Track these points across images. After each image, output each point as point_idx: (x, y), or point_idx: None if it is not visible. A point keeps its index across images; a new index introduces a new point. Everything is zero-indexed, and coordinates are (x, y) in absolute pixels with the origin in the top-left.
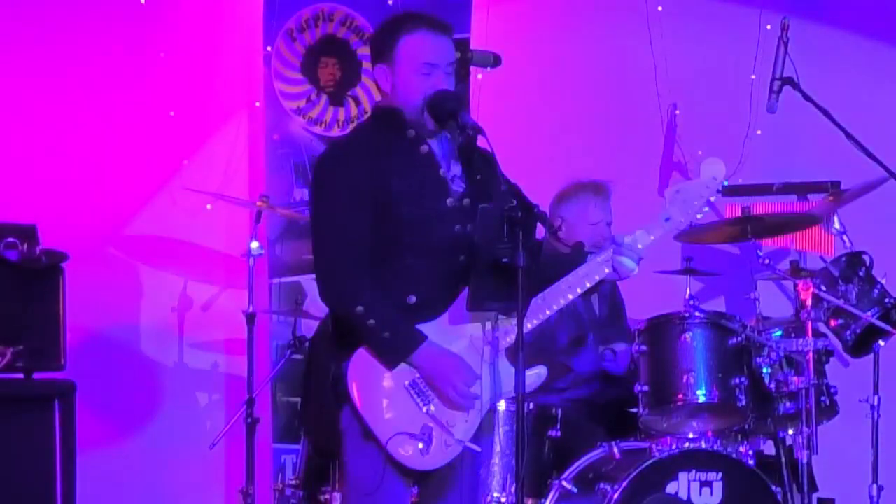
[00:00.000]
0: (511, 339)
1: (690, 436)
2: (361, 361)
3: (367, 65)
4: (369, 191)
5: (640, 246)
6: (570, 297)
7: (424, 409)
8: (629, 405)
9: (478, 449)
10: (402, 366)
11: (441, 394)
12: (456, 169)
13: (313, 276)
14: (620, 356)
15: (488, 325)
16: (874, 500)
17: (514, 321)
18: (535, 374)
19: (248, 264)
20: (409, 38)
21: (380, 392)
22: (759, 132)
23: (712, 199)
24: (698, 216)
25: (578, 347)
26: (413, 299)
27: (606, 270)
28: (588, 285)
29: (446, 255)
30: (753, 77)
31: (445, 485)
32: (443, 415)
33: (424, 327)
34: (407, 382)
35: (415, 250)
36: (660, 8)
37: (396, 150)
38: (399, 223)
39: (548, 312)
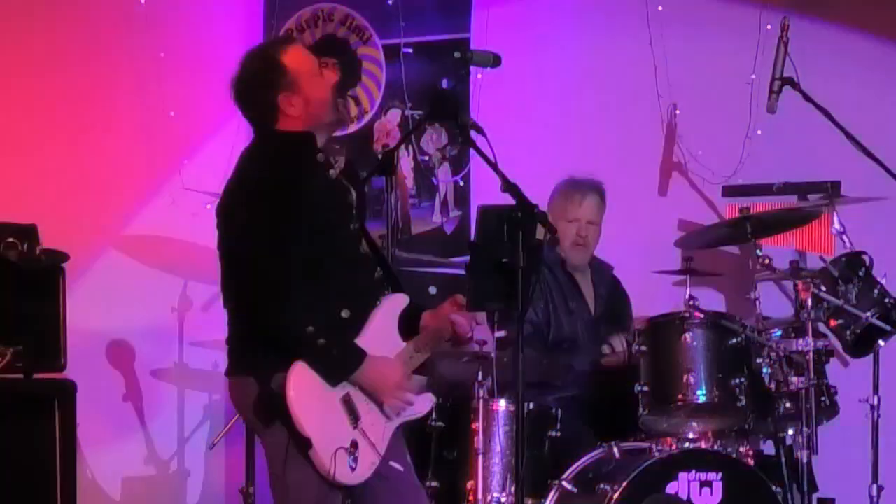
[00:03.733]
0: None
1: (690, 436)
2: (301, 377)
3: (367, 65)
4: (294, 213)
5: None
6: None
7: (354, 425)
8: (628, 405)
9: (401, 468)
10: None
11: (381, 403)
12: (352, 194)
13: None
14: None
15: (402, 346)
16: (874, 500)
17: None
18: (427, 398)
19: None
20: (287, 53)
21: (318, 407)
22: (759, 132)
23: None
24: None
25: (570, 348)
26: (346, 313)
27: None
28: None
29: (363, 270)
30: (753, 77)
31: (380, 499)
32: (370, 430)
33: (359, 342)
34: (341, 397)
35: (338, 269)
36: (660, 8)
37: (313, 175)
38: (323, 244)
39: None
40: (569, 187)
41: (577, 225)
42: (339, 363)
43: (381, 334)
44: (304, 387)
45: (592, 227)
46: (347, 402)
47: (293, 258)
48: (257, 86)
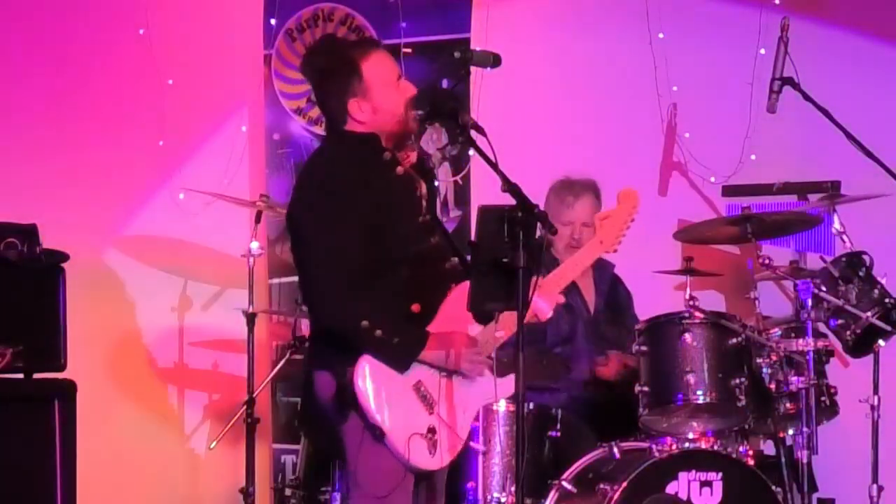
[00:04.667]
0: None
1: (690, 436)
2: (369, 368)
3: None
4: (362, 211)
5: (572, 274)
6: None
7: (430, 411)
8: (628, 406)
9: (483, 448)
10: (410, 368)
11: (457, 372)
12: (423, 188)
13: None
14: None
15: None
16: (874, 500)
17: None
18: (508, 381)
19: (248, 264)
20: (369, 60)
21: (389, 396)
22: (759, 132)
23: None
24: (622, 240)
25: (567, 345)
26: (418, 307)
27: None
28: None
29: (432, 263)
30: (753, 77)
31: (434, 486)
32: (447, 415)
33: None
34: (413, 385)
35: (408, 262)
36: (660, 9)
37: (378, 174)
38: (389, 240)
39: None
40: (562, 188)
41: (570, 228)
42: (403, 349)
43: (451, 321)
44: (372, 377)
45: (587, 228)
46: (419, 390)
47: (354, 258)
48: (332, 86)
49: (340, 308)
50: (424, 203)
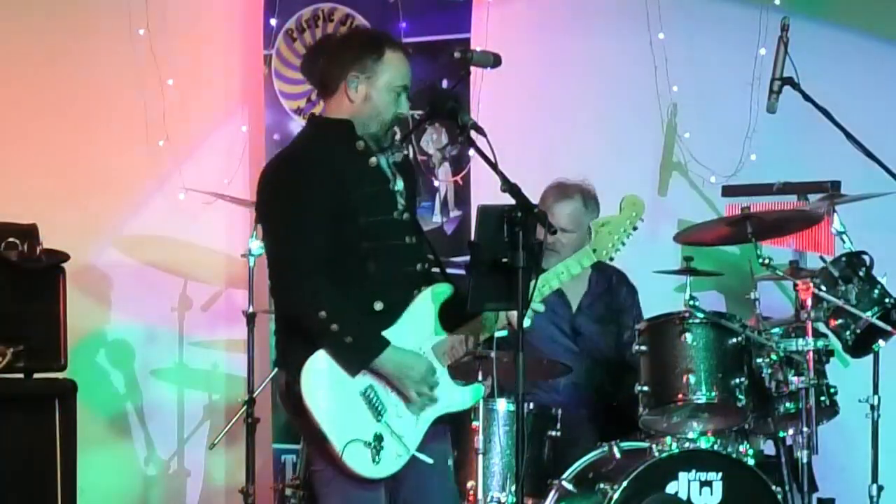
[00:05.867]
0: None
1: (690, 436)
2: (317, 366)
3: None
4: (327, 199)
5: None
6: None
7: (378, 418)
8: (628, 406)
9: (430, 460)
10: (360, 373)
11: (403, 395)
12: (399, 184)
13: None
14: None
15: (440, 337)
16: (874, 500)
17: (458, 336)
18: (468, 391)
19: (248, 264)
20: (393, 56)
21: (335, 398)
22: (759, 132)
23: (631, 234)
24: (620, 248)
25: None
26: (380, 305)
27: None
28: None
29: (404, 262)
30: (753, 77)
31: (418, 494)
32: (395, 424)
33: (388, 333)
34: (362, 390)
35: (375, 257)
36: (660, 9)
37: (348, 161)
38: (357, 231)
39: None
40: (548, 189)
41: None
42: (356, 351)
43: (415, 325)
44: (318, 378)
45: (566, 234)
46: (369, 396)
47: (316, 242)
48: (346, 53)
49: (301, 292)
50: (402, 200)
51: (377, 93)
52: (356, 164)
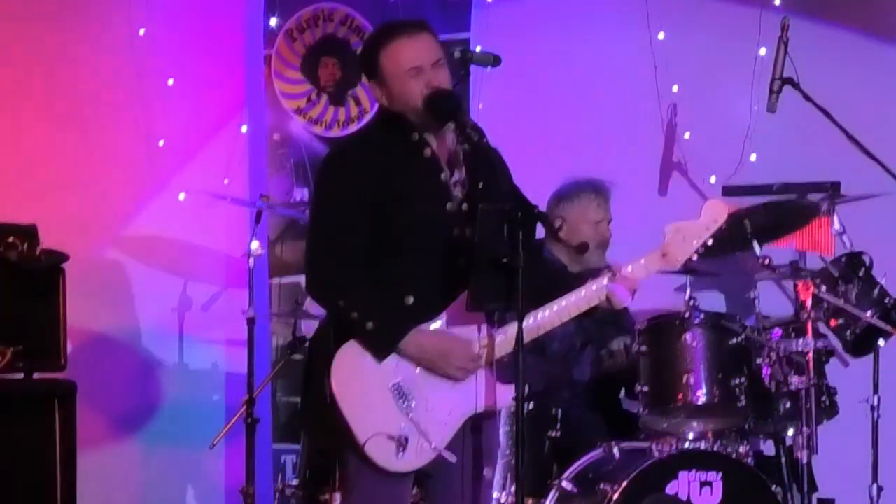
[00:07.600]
0: (504, 347)
1: (690, 436)
2: (347, 358)
3: None
4: (370, 190)
5: (637, 278)
6: (560, 321)
7: (406, 413)
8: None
9: (453, 458)
10: (390, 366)
11: (441, 374)
12: (458, 174)
13: None
14: (617, 354)
15: (483, 332)
16: (874, 500)
17: (508, 330)
18: (508, 390)
19: (248, 264)
20: (387, 49)
21: (362, 390)
22: (759, 132)
23: (709, 242)
24: (693, 257)
25: (576, 355)
26: (410, 300)
27: (601, 299)
28: (578, 312)
29: (445, 258)
30: (753, 77)
31: (447, 489)
32: (422, 420)
33: (430, 325)
34: (391, 384)
35: (414, 252)
36: (660, 9)
37: (400, 152)
38: (398, 225)
39: (537, 334)
40: (590, 189)
41: (601, 226)
42: (379, 336)
43: (460, 318)
44: (349, 367)
45: (609, 226)
46: (398, 390)
47: (352, 234)
48: (359, 69)
49: (325, 279)
50: (460, 190)
51: (392, 89)
52: (408, 155)
